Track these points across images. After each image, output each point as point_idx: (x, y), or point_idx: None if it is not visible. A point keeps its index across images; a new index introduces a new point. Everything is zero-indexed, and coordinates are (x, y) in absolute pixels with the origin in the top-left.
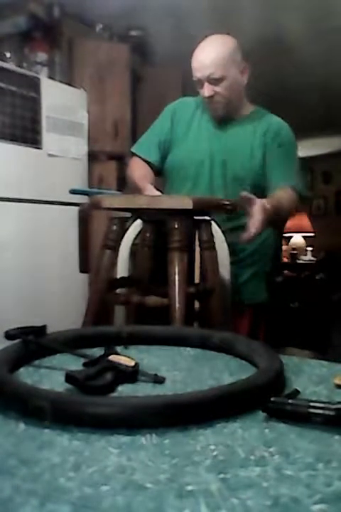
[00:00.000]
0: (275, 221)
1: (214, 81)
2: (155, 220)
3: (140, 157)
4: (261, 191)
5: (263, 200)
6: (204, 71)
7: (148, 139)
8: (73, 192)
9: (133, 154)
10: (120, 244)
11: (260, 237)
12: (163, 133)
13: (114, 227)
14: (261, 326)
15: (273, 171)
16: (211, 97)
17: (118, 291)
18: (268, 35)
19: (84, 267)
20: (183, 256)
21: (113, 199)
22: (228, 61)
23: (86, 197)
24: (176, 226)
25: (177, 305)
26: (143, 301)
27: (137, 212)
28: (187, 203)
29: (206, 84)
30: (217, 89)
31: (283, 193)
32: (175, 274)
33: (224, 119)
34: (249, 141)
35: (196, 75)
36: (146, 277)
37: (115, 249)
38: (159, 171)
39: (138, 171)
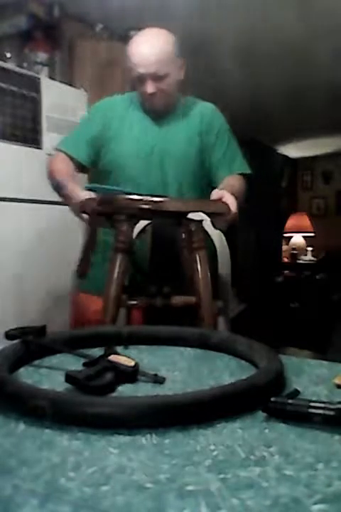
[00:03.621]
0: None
1: (159, 78)
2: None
3: (67, 154)
4: (204, 180)
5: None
6: (149, 67)
7: (77, 137)
8: (90, 190)
9: (58, 151)
10: (133, 245)
11: None
12: (94, 130)
13: (124, 228)
14: None
15: (218, 163)
16: (153, 93)
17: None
18: (269, 34)
19: (81, 272)
20: (205, 255)
21: (177, 203)
22: (171, 58)
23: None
24: (195, 229)
25: (206, 302)
26: (170, 302)
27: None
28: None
29: (149, 81)
30: (161, 86)
31: (232, 181)
32: (200, 272)
33: (160, 113)
34: (185, 131)
35: (138, 71)
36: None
37: (127, 251)
38: (84, 169)
39: (61, 168)
